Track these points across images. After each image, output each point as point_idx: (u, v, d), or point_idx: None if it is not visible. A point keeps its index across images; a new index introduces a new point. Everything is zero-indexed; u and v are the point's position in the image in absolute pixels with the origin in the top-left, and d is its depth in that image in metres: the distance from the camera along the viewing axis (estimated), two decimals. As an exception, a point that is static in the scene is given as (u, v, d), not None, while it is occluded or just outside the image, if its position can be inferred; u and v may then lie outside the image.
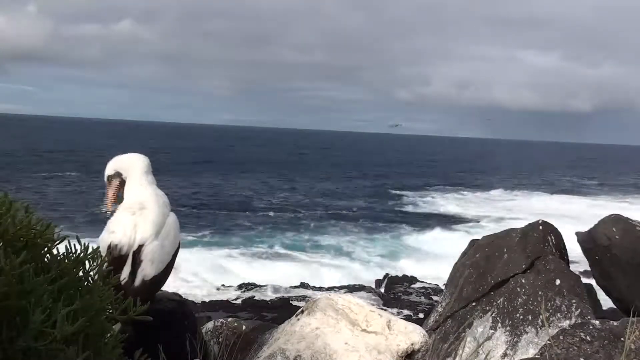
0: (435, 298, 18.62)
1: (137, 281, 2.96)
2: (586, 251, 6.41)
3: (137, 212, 3.06)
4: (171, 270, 3.17)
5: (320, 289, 21.61)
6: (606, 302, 6.76)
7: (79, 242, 1.87)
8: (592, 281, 6.55)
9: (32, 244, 1.74)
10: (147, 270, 2.98)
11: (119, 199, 3.23)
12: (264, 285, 22.17)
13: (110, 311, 1.83)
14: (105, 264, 2.80)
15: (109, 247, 2.96)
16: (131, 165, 3.21)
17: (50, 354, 1.52)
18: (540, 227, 6.12)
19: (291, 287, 22.17)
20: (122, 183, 3.21)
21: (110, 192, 3.20)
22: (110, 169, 3.23)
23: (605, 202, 43.87)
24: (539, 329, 5.30)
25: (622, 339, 2.90)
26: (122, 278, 2.92)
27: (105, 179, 3.24)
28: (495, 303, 5.68)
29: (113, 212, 3.16)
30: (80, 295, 1.72)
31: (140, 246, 2.99)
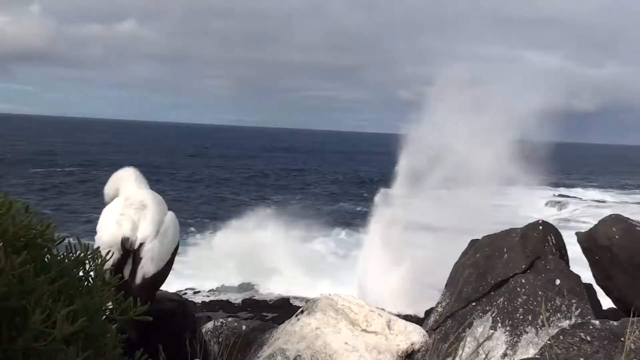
0: (435, 298, 18.58)
1: (138, 279, 2.97)
2: (586, 251, 6.40)
3: (139, 209, 3.10)
4: (171, 269, 3.19)
5: (320, 288, 21.60)
6: (606, 302, 6.75)
7: (79, 243, 1.87)
8: (592, 281, 6.54)
9: (32, 244, 1.74)
10: (147, 267, 2.99)
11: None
12: (264, 285, 22.18)
13: (110, 312, 1.83)
14: (117, 257, 2.89)
15: (122, 240, 2.99)
16: (122, 180, 3.30)
17: (50, 354, 1.52)
18: (540, 227, 6.12)
19: (291, 287, 22.18)
20: None
21: None
22: (108, 192, 3.34)
23: (607, 201, 43.87)
24: (539, 329, 5.30)
25: (622, 339, 2.90)
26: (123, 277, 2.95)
27: (109, 200, 3.32)
28: (495, 303, 5.68)
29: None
30: (80, 295, 1.72)
31: (141, 244, 3.01)
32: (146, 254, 3.00)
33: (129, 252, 3.01)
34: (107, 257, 1.93)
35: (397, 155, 29.56)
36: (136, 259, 3.00)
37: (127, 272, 2.98)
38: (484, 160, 27.62)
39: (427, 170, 27.78)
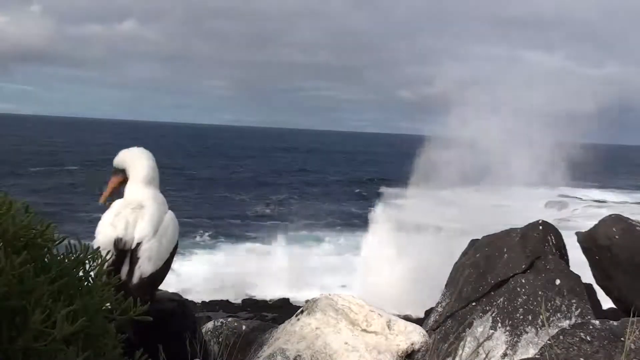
0: (435, 298, 18.55)
1: (135, 278, 2.97)
2: (586, 251, 6.41)
3: (136, 209, 3.09)
4: (169, 268, 3.19)
5: (320, 289, 21.61)
6: (606, 302, 6.75)
7: (79, 243, 1.87)
8: (592, 281, 6.54)
9: (32, 244, 1.73)
10: (144, 267, 2.99)
11: (116, 196, 3.24)
12: (264, 285, 22.18)
13: (110, 312, 1.83)
14: (112, 258, 2.85)
15: (115, 241, 2.99)
16: (134, 164, 3.22)
17: (50, 354, 1.52)
18: (540, 227, 6.12)
19: (291, 287, 22.19)
20: (123, 182, 3.22)
21: (109, 187, 3.21)
22: (116, 161, 3.25)
23: (607, 201, 43.88)
24: (539, 329, 5.31)
25: (622, 339, 2.90)
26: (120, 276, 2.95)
27: (113, 169, 3.26)
28: (495, 303, 5.68)
29: (109, 205, 3.18)
30: (80, 295, 1.72)
31: (139, 244, 3.01)
32: (143, 253, 3.00)
33: (125, 252, 3.00)
34: (107, 258, 1.93)
35: (421, 155, 29.71)
36: (133, 259, 3.00)
37: (124, 271, 2.98)
38: (513, 160, 28.09)
39: (451, 169, 28.07)
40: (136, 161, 3.23)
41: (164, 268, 3.12)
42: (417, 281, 19.39)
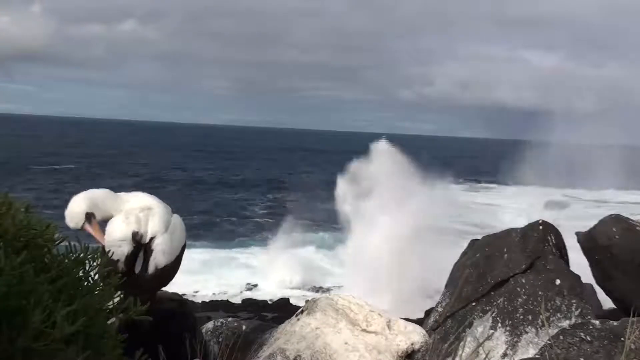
0: (435, 298, 18.53)
1: (151, 269, 3.07)
2: (586, 251, 6.41)
3: (145, 210, 3.18)
4: (179, 266, 3.28)
5: (320, 289, 21.63)
6: (606, 302, 6.75)
7: (79, 242, 1.87)
8: (592, 281, 6.54)
9: (32, 244, 1.73)
10: (159, 259, 3.09)
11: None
12: (264, 286, 22.19)
13: (110, 312, 1.83)
14: (128, 251, 2.99)
15: (133, 234, 3.06)
16: (101, 200, 3.15)
17: (50, 354, 1.52)
18: (540, 227, 6.12)
19: (291, 287, 22.20)
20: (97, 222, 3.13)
21: (96, 230, 3.08)
22: (86, 206, 3.08)
23: (607, 201, 43.92)
24: (539, 329, 5.31)
25: (622, 339, 2.90)
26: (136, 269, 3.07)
27: (84, 217, 3.05)
28: (495, 303, 5.68)
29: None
30: (80, 295, 1.72)
31: (152, 238, 3.11)
32: (157, 246, 3.10)
33: (140, 245, 3.09)
34: (108, 257, 1.94)
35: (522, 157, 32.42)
36: (147, 251, 3.10)
37: (138, 264, 3.08)
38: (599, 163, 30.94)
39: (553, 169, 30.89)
40: (101, 195, 3.17)
41: (175, 264, 3.22)
42: (417, 281, 19.40)
